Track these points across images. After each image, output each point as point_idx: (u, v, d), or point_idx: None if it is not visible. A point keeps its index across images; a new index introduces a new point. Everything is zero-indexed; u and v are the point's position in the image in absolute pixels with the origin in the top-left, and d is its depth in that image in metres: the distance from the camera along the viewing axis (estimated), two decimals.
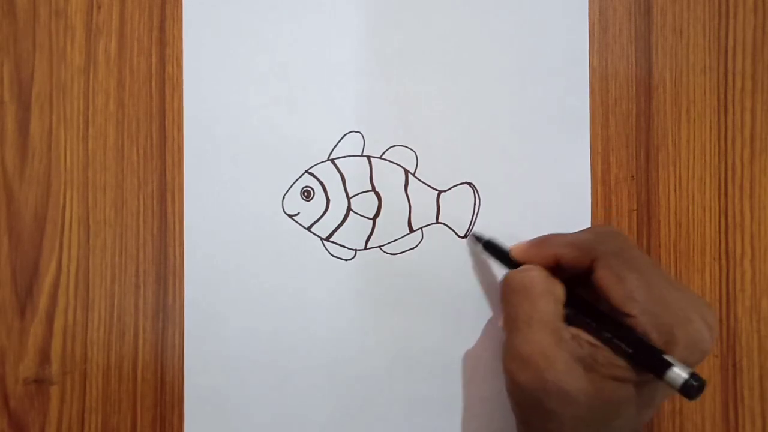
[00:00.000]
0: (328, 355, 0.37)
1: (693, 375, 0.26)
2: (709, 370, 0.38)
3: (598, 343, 0.28)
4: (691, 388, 0.25)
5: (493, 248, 0.35)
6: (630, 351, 0.27)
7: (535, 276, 0.31)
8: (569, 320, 0.30)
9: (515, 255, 0.33)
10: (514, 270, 0.32)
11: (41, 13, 0.36)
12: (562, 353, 0.28)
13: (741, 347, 0.38)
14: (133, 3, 0.37)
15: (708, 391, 0.38)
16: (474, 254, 0.37)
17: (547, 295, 0.30)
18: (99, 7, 0.37)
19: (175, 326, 0.36)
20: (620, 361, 0.27)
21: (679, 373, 0.26)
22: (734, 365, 0.38)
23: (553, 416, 0.28)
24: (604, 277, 0.29)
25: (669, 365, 0.26)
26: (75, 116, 0.36)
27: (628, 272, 0.29)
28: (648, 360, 0.27)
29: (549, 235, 0.33)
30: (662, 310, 0.28)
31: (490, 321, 0.37)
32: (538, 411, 0.29)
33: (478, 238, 0.36)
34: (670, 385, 0.26)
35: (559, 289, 0.30)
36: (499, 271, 0.36)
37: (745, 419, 0.38)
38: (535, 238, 0.33)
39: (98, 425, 0.36)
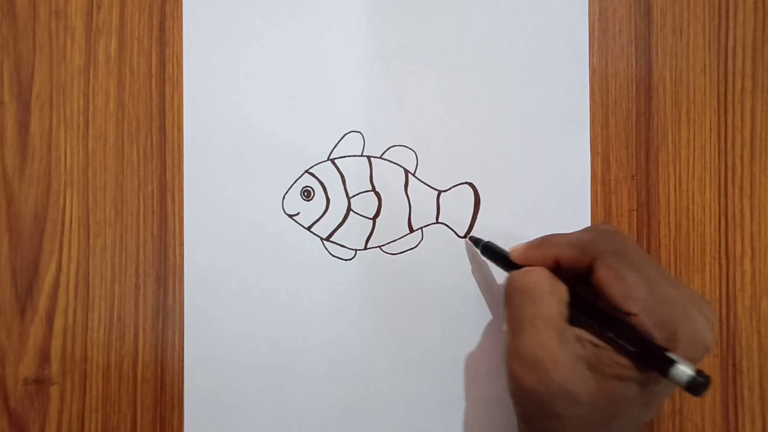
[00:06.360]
0: (327, 355, 0.37)
1: (698, 372, 0.26)
2: (709, 370, 0.38)
3: (601, 343, 0.28)
4: (699, 385, 0.25)
5: (491, 251, 0.35)
6: (633, 350, 0.27)
7: (539, 277, 0.30)
8: (571, 321, 0.30)
9: (515, 258, 0.33)
10: (518, 271, 0.32)
11: (41, 13, 0.36)
12: (566, 354, 0.28)
13: (741, 347, 0.38)
14: (133, 3, 0.37)
15: (708, 391, 0.38)
16: (472, 254, 0.37)
17: (551, 296, 0.30)
18: (99, 7, 0.37)
19: (175, 326, 0.36)
20: (623, 360, 0.27)
21: (684, 370, 0.26)
22: (734, 365, 0.38)
23: (556, 417, 0.28)
24: (604, 276, 0.29)
25: (673, 363, 0.26)
26: (75, 116, 0.36)
27: (627, 271, 0.28)
28: (652, 358, 0.27)
29: (548, 235, 0.32)
30: (663, 308, 0.27)
31: (490, 321, 0.37)
32: (541, 412, 0.29)
33: (476, 242, 0.36)
34: (675, 382, 0.26)
35: (562, 290, 0.30)
36: (498, 271, 0.36)
37: (745, 419, 0.38)
38: (533, 240, 0.32)
39: (98, 425, 0.36)
